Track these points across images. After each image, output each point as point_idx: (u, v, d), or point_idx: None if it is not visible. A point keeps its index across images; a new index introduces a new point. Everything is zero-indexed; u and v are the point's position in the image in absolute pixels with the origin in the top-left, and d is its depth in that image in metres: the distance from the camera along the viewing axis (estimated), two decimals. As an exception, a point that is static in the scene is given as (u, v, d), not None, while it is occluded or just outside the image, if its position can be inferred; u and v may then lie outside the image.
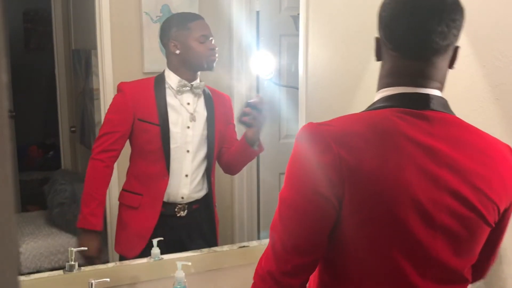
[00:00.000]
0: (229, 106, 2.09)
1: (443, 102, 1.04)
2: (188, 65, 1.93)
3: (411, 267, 0.99)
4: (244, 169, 2.37)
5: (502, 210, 1.05)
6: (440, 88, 1.05)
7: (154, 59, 2.00)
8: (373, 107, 1.04)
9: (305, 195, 0.99)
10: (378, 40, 1.06)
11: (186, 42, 1.91)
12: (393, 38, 1.01)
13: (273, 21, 2.42)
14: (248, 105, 1.88)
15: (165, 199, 1.93)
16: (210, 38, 1.94)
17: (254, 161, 2.40)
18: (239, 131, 2.10)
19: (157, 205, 1.92)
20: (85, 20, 2.31)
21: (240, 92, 2.39)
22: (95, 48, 2.06)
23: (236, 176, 2.41)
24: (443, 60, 1.03)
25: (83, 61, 2.39)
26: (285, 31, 2.40)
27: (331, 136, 0.97)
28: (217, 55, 1.96)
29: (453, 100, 1.56)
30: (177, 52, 1.91)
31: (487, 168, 1.01)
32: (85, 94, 2.38)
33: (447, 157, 0.98)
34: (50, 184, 2.44)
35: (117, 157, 1.88)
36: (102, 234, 2.11)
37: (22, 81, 3.27)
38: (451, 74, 1.57)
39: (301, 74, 1.98)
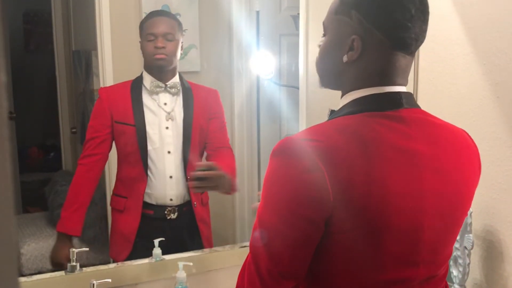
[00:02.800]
0: (214, 100, 2.01)
1: (411, 97, 1.03)
2: (147, 65, 1.92)
3: (400, 274, 0.99)
4: (245, 168, 2.38)
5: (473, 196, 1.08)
6: (407, 84, 1.04)
7: (154, 60, 1.99)
8: (345, 112, 1.00)
9: (292, 221, 0.93)
10: (362, 40, 0.99)
11: (141, 43, 1.90)
12: (391, 34, 0.97)
13: (273, 21, 2.43)
14: (193, 177, 1.73)
15: (153, 202, 1.91)
16: (161, 36, 1.87)
17: (255, 160, 2.40)
18: (238, 129, 2.10)
19: (138, 208, 1.90)
20: (85, 21, 2.32)
21: (240, 92, 2.39)
22: (95, 49, 2.06)
23: (237, 176, 2.41)
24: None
25: (84, 62, 2.39)
26: (285, 31, 2.40)
27: (317, 153, 0.91)
28: (166, 54, 1.87)
29: (454, 98, 1.57)
30: (141, 52, 1.92)
31: (461, 160, 1.03)
32: (86, 95, 2.39)
33: (427, 158, 0.98)
34: (51, 185, 2.44)
35: (102, 161, 1.87)
36: (103, 235, 2.11)
37: (23, 83, 3.28)
38: (451, 73, 1.58)
39: (301, 74, 1.98)
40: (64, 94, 2.67)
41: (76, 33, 2.52)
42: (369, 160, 0.93)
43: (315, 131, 0.96)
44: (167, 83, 1.91)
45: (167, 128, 1.91)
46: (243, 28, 2.34)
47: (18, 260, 1.79)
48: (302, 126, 2.00)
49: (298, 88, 2.04)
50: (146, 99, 1.90)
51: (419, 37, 0.99)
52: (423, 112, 1.04)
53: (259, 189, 2.42)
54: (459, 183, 1.02)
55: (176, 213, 1.94)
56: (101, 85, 2.03)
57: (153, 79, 1.90)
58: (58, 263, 1.81)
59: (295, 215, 0.92)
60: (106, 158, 1.88)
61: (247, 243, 1.99)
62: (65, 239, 1.83)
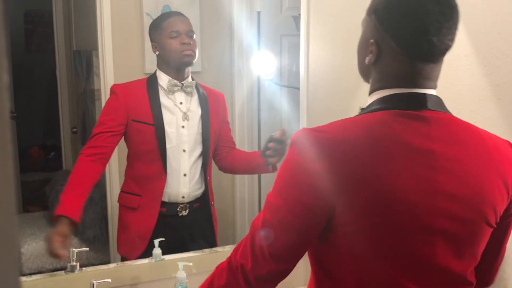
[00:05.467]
0: (222, 104, 2.08)
1: (439, 101, 1.02)
2: (168, 64, 1.93)
3: (409, 276, 0.98)
4: (246, 169, 2.37)
5: (502, 209, 1.03)
6: (435, 87, 1.04)
7: (155, 60, 2.00)
8: (368, 110, 1.02)
9: (291, 206, 0.97)
10: (377, 44, 1.01)
11: (161, 41, 1.91)
12: (405, 42, 0.98)
13: (274, 22, 2.42)
14: (271, 140, 1.84)
15: (166, 199, 1.93)
16: (184, 34, 1.91)
17: (255, 161, 2.40)
18: (238, 129, 2.11)
19: (155, 206, 1.91)
20: (86, 21, 2.32)
21: (241, 93, 2.39)
22: (96, 49, 2.06)
23: (237, 176, 2.42)
24: (443, 59, 1.03)
25: (84, 62, 2.39)
26: (286, 31, 2.40)
27: (326, 143, 0.94)
28: (193, 51, 1.92)
29: (454, 99, 1.57)
30: (157, 53, 1.93)
31: (487, 166, 1.00)
32: (86, 95, 2.39)
33: (445, 159, 0.96)
34: (51, 185, 2.44)
35: (106, 154, 1.83)
36: (104, 235, 2.11)
37: (23, 82, 3.27)
38: (451, 74, 1.57)
39: (302, 74, 1.98)
40: (64, 94, 2.67)
41: (77, 33, 2.52)
42: (376, 155, 0.93)
43: (331, 125, 0.99)
44: (183, 82, 1.94)
45: (183, 127, 1.94)
46: (244, 28, 2.35)
47: (19, 259, 1.79)
48: (303, 126, 2.00)
49: (298, 88, 2.04)
50: (162, 98, 1.92)
51: (441, 45, 0.97)
52: (452, 117, 1.03)
53: (259, 190, 2.43)
54: (481, 189, 0.99)
55: (187, 210, 1.97)
56: (102, 85, 2.04)
57: (170, 78, 1.92)
58: (56, 253, 1.61)
59: (297, 201, 0.96)
60: (111, 153, 1.86)
61: (247, 244, 2.00)
62: (65, 222, 1.64)
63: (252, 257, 1.00)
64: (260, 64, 2.24)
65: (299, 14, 1.99)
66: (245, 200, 2.45)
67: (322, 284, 1.05)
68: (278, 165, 2.23)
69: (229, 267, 1.05)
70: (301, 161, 0.96)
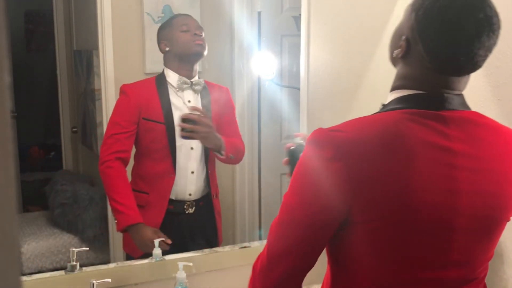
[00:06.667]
0: (226, 98, 2.10)
1: (459, 99, 1.01)
2: (178, 58, 1.96)
3: (426, 272, 0.98)
4: (245, 169, 2.38)
5: None
6: (459, 93, 1.02)
7: (155, 60, 2.01)
8: (387, 109, 1.01)
9: (307, 205, 0.97)
10: (408, 42, 0.99)
11: (171, 36, 1.95)
12: (433, 54, 0.95)
13: (275, 22, 2.43)
14: (181, 120, 1.87)
15: (173, 197, 1.96)
16: (194, 28, 1.96)
17: (256, 161, 2.40)
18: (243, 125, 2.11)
19: (163, 203, 1.94)
20: (87, 21, 2.32)
21: (241, 93, 2.39)
22: (96, 48, 2.06)
23: (238, 177, 2.42)
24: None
25: (85, 61, 2.39)
26: (287, 32, 2.40)
27: (341, 143, 0.94)
28: (203, 42, 1.96)
29: (455, 100, 1.57)
30: (167, 49, 1.96)
31: (506, 163, 1.00)
32: (87, 95, 2.39)
33: (464, 157, 0.96)
34: (51, 185, 2.44)
35: (128, 158, 1.89)
36: (104, 235, 2.12)
37: (24, 82, 3.27)
38: (452, 75, 1.57)
39: (303, 75, 1.98)
40: (65, 94, 2.67)
41: (78, 32, 2.52)
42: (393, 154, 0.93)
43: (346, 124, 0.99)
44: (192, 80, 1.96)
45: None
46: (245, 28, 2.35)
47: (20, 259, 1.78)
48: (303, 127, 2.00)
49: (299, 89, 2.04)
50: (172, 96, 1.95)
51: (468, 65, 0.95)
52: (472, 114, 1.02)
53: (260, 190, 2.43)
54: (502, 186, 0.99)
55: (193, 208, 1.99)
56: (102, 85, 2.04)
57: (179, 76, 1.95)
58: (166, 243, 1.83)
59: (312, 200, 0.96)
60: (130, 156, 1.90)
61: (247, 244, 2.01)
62: (142, 226, 1.84)
63: (268, 257, 1.01)
64: (261, 64, 2.25)
65: (300, 15, 1.99)
66: (245, 201, 2.44)
67: (338, 279, 1.06)
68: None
69: (252, 272, 1.05)
70: (317, 161, 0.96)
